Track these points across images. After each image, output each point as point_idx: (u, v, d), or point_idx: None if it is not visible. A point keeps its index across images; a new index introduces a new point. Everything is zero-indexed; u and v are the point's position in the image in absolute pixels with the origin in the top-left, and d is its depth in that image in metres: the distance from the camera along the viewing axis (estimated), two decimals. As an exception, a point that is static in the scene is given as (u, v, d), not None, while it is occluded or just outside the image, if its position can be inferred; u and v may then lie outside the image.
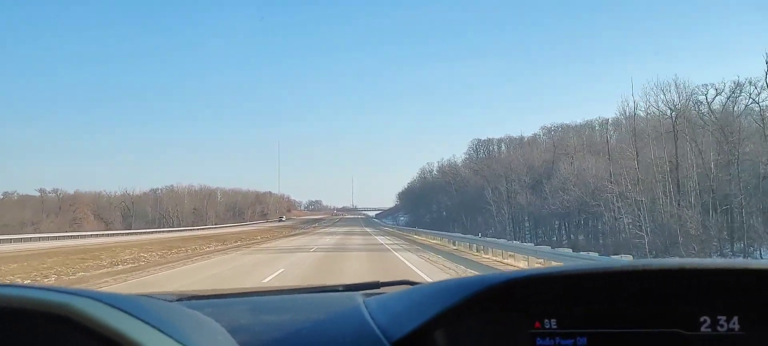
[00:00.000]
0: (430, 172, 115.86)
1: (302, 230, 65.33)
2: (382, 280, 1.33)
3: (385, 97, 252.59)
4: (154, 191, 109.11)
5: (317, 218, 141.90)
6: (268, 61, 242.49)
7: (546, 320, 0.73)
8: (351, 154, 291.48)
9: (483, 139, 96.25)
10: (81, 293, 0.56)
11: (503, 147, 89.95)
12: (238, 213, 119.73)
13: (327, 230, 64.97)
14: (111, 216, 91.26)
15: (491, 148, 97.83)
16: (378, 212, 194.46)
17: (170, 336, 0.57)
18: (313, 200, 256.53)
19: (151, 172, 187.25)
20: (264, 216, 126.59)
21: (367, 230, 65.06)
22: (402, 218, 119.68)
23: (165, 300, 0.95)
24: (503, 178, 61.61)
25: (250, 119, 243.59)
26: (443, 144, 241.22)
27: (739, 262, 0.74)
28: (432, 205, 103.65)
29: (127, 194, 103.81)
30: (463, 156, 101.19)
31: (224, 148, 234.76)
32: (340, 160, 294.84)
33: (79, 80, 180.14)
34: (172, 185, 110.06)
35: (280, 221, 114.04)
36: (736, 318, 0.71)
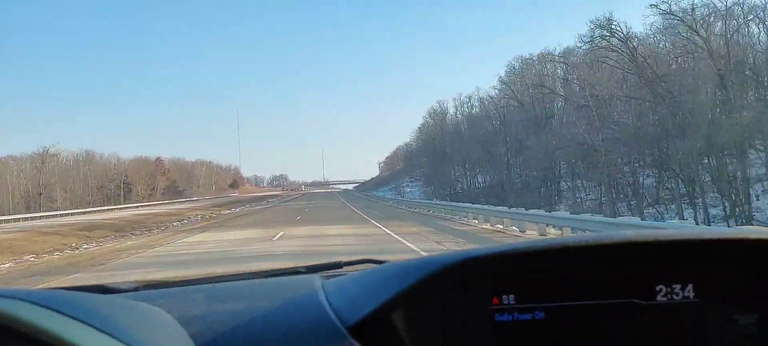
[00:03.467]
0: (444, 114, 76.97)
1: (193, 225, 29.24)
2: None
3: (357, 60, 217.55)
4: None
5: (267, 194, 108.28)
6: (228, 27, 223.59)
7: (504, 296, 0.73)
8: (321, 126, 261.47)
9: (525, 56, 56.57)
10: (7, 293, 0.53)
11: (559, 70, 51.26)
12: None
13: (258, 218, 29.60)
14: None
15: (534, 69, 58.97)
16: (355, 184, 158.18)
17: (104, 332, 0.54)
18: (278, 175, 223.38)
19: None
20: (178, 193, 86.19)
21: (362, 214, 28.73)
22: (408, 188, 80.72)
23: (121, 290, 1.01)
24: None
25: (212, 92, 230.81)
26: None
27: (692, 232, 0.76)
28: (452, 165, 65.20)
29: None
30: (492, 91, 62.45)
31: (183, 122, 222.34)
32: (309, 134, 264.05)
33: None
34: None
35: (188, 201, 71.24)
36: (690, 286, 0.73)
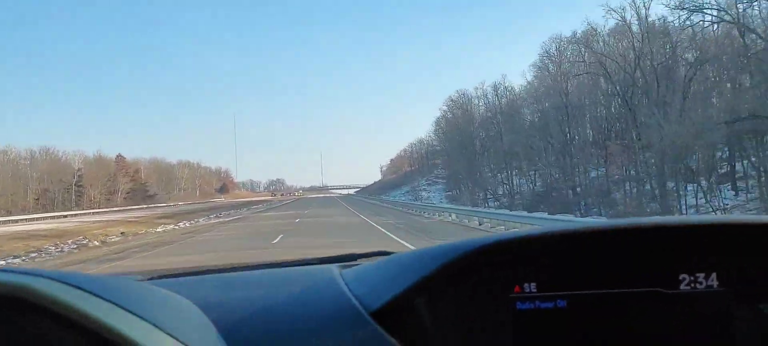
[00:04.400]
0: (469, 102, 62.19)
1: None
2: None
3: (357, 65, 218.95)
4: None
5: (253, 200, 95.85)
6: (229, 34, 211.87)
7: (526, 284, 0.72)
8: (319, 130, 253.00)
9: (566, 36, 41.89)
10: (40, 273, 0.53)
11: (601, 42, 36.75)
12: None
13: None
14: None
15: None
16: (356, 189, 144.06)
17: (136, 314, 0.55)
18: (274, 179, 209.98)
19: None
20: (147, 197, 71.70)
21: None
22: (425, 192, 65.90)
23: (135, 279, 1.01)
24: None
25: (208, 95, 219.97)
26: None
27: (716, 218, 0.75)
28: (488, 163, 50.80)
29: None
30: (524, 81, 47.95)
31: (183, 126, 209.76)
32: (307, 138, 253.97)
33: None
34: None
35: (148, 207, 57.27)
36: (714, 275, 0.71)
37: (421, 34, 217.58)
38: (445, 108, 68.44)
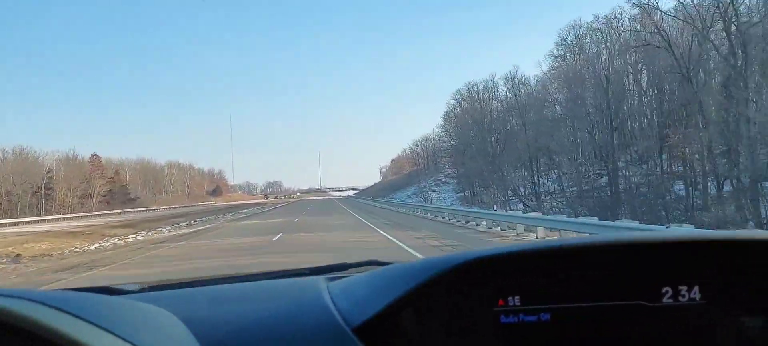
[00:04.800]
0: (478, 93, 55.59)
1: None
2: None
3: (355, 66, 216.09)
4: None
5: (242, 203, 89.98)
6: (228, 34, 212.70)
7: (510, 297, 0.72)
8: (317, 131, 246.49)
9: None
10: (17, 293, 0.53)
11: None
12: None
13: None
14: None
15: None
16: (355, 191, 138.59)
17: (117, 335, 0.55)
18: (272, 182, 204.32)
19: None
20: (129, 201, 65.22)
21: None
22: (434, 194, 59.25)
23: (126, 291, 1.03)
24: None
25: (204, 96, 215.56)
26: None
27: (697, 233, 0.76)
28: (508, 160, 44.53)
29: None
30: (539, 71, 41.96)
31: (180, 127, 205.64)
32: (305, 140, 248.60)
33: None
34: None
35: (126, 212, 50.51)
36: (696, 288, 0.72)
37: (421, 34, 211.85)
38: (453, 101, 62.20)
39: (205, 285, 1.14)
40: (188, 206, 67.31)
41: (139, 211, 56.41)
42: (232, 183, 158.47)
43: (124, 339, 0.54)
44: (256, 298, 0.92)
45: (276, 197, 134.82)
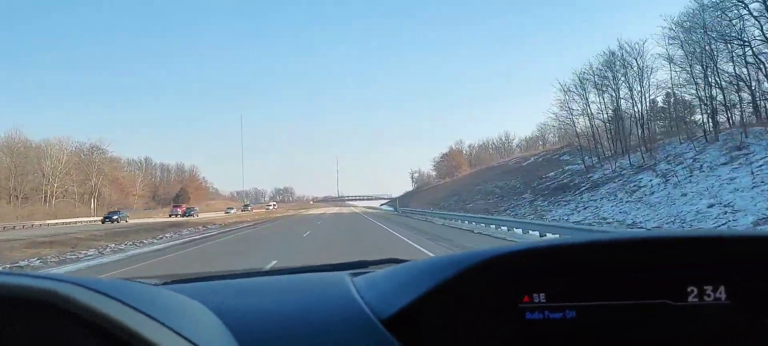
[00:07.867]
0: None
1: None
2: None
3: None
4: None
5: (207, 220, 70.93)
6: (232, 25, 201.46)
7: (535, 294, 0.73)
8: (334, 138, 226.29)
9: None
10: (65, 279, 0.54)
11: None
12: None
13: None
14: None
15: None
16: (383, 201, 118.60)
17: (156, 319, 0.56)
18: (281, 188, 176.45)
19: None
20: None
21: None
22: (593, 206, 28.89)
23: (150, 284, 1.01)
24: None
25: (210, 95, 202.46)
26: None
27: (724, 231, 0.75)
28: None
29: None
30: None
31: (181, 128, 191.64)
32: (322, 144, 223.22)
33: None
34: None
35: None
36: (722, 288, 0.71)
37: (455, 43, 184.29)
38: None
39: (226, 279, 1.12)
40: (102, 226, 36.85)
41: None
42: (206, 186, 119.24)
43: (164, 324, 0.56)
44: (283, 290, 0.93)
45: (269, 208, 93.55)
